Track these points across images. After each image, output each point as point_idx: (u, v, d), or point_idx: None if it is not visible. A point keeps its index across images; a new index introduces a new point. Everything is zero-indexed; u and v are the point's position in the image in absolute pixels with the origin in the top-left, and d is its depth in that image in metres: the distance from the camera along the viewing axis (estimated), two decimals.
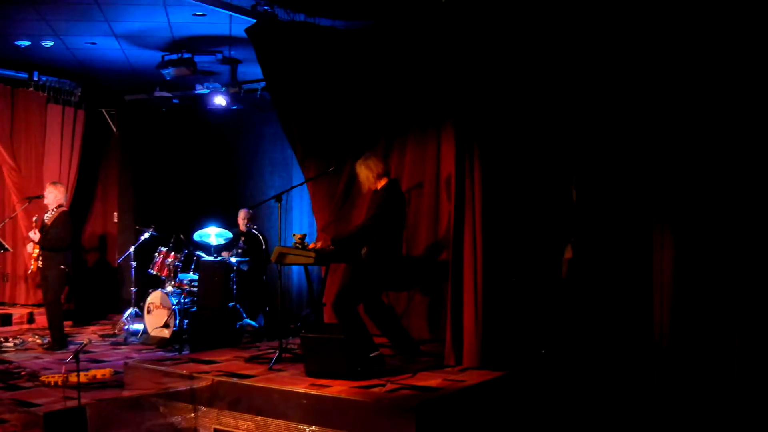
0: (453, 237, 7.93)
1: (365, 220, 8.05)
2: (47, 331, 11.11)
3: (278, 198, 8.42)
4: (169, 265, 11.63)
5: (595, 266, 8.29)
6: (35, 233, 10.59)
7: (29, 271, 11.56)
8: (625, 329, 7.93)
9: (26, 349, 10.81)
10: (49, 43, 11.67)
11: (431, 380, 7.08)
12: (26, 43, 11.64)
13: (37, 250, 10.64)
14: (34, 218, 10.97)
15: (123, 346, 11.05)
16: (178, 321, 10.83)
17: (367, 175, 8.17)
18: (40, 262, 10.64)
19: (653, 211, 7.57)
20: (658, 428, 7.21)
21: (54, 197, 10.83)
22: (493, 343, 7.68)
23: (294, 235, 8.17)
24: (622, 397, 7.56)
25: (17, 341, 11.11)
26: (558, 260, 8.76)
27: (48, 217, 10.75)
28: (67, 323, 11.79)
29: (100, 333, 12.41)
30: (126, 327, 11.95)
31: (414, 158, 9.70)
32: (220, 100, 13.07)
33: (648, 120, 7.64)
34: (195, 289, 11.10)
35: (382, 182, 8.11)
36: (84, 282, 14.33)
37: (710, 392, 7.08)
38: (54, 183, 11.31)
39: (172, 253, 11.70)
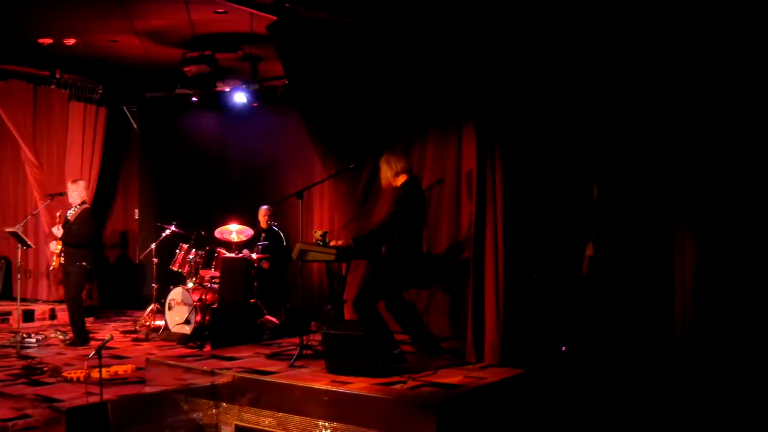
0: (474, 234, 7.91)
1: (384, 215, 8.06)
2: (69, 327, 11.17)
3: (299, 195, 8.43)
4: (190, 261, 11.67)
5: (617, 264, 8.26)
6: (58, 229, 10.65)
7: (51, 268, 11.62)
8: (646, 327, 7.90)
9: (48, 345, 10.87)
10: (71, 41, 11.72)
11: (452, 377, 7.07)
12: (48, 40, 11.70)
13: (59, 247, 10.69)
14: (57, 213, 11.03)
15: (144, 343, 11.09)
16: (199, 317, 10.86)
17: (387, 171, 8.18)
18: (62, 259, 10.70)
19: (675, 209, 7.54)
20: (679, 426, 7.19)
21: (77, 194, 10.89)
22: (514, 340, 7.66)
23: (315, 232, 8.17)
24: (643, 395, 7.53)
25: (39, 337, 11.17)
26: (579, 257, 8.73)
27: (71, 213, 10.80)
28: (88, 319, 11.85)
29: (122, 329, 12.47)
30: (147, 323, 12.00)
31: (435, 156, 9.68)
32: (241, 97, 13.09)
33: (670, 117, 7.61)
34: (216, 285, 11.14)
35: (402, 179, 8.12)
36: (105, 278, 14.39)
37: (732, 391, 7.05)
38: (76, 180, 11.39)
39: (193, 250, 11.74)
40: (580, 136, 8.41)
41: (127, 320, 13.59)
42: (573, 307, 8.43)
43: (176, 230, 12.30)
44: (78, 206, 10.83)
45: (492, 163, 7.79)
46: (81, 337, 10.85)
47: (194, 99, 13.91)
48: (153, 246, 12.49)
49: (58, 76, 13.41)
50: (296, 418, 6.68)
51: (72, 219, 10.71)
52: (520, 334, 7.72)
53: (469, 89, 8.39)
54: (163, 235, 12.42)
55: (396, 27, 9.76)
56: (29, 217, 12.85)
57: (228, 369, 7.53)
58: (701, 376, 7.24)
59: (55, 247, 10.76)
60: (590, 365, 7.94)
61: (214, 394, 7.30)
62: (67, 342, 10.94)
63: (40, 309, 13.20)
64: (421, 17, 9.28)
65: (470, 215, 8.37)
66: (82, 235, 10.64)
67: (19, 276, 11.19)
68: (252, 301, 10.82)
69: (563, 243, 8.56)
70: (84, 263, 10.68)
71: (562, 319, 8.33)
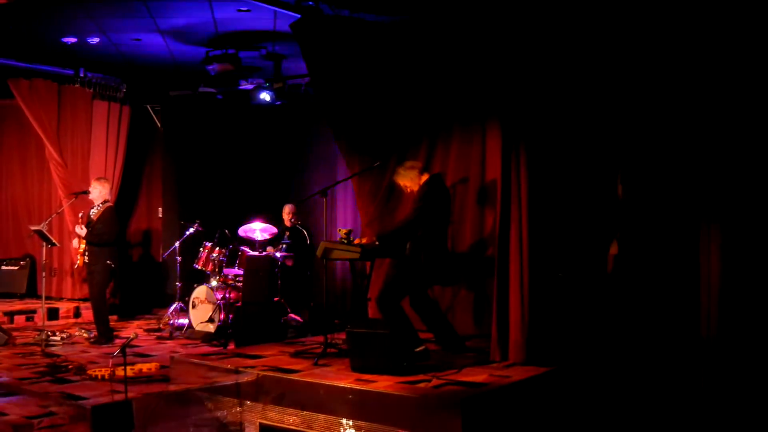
0: (499, 233, 7.87)
1: (409, 213, 8.05)
2: (93, 326, 11.21)
3: (323, 193, 8.41)
4: (213, 260, 11.68)
5: (641, 262, 8.21)
6: (81, 228, 10.69)
7: (76, 266, 11.68)
8: (671, 326, 7.85)
9: (73, 343, 10.91)
10: (95, 40, 11.76)
11: (477, 376, 7.04)
12: (73, 39, 11.74)
13: (83, 245, 10.73)
14: (80, 214, 11.08)
15: (168, 341, 11.12)
16: (222, 316, 10.87)
17: (404, 177, 8.18)
18: (86, 257, 10.74)
19: (700, 207, 7.47)
20: (704, 426, 7.13)
21: (99, 193, 10.93)
22: (539, 338, 7.62)
23: (339, 230, 8.17)
24: (669, 394, 7.47)
25: (64, 335, 11.22)
26: (604, 256, 8.68)
27: (94, 212, 10.84)
28: (112, 318, 11.89)
29: (145, 327, 12.51)
30: (171, 322, 12.02)
31: (459, 155, 9.64)
32: (264, 96, 13.09)
33: (695, 115, 7.55)
34: (240, 284, 11.15)
35: (424, 177, 8.10)
36: (129, 277, 14.44)
37: (759, 390, 6.99)
38: (99, 178, 11.44)
39: (217, 248, 11.75)
40: (604, 135, 8.36)
41: (151, 318, 13.63)
42: (598, 306, 8.38)
43: (200, 228, 12.31)
44: (100, 205, 10.86)
45: (517, 161, 7.74)
46: (105, 335, 10.89)
47: (219, 97, 13.91)
48: (177, 244, 12.52)
49: (82, 74, 13.43)
50: (321, 416, 6.68)
51: (95, 218, 10.75)
52: (545, 333, 7.68)
53: (493, 88, 8.36)
54: (187, 233, 12.43)
55: (420, 25, 9.75)
56: (54, 215, 12.90)
57: (252, 367, 7.54)
58: (727, 376, 7.18)
59: (78, 245, 10.80)
60: (615, 364, 7.90)
61: (239, 392, 7.31)
62: (92, 340, 10.98)
63: (64, 307, 13.27)
64: (446, 16, 9.25)
65: (494, 213, 8.34)
66: (106, 234, 10.67)
67: (44, 274, 11.25)
68: (276, 299, 10.83)
69: (588, 241, 8.52)
70: (108, 262, 10.73)
71: (587, 318, 8.28)
